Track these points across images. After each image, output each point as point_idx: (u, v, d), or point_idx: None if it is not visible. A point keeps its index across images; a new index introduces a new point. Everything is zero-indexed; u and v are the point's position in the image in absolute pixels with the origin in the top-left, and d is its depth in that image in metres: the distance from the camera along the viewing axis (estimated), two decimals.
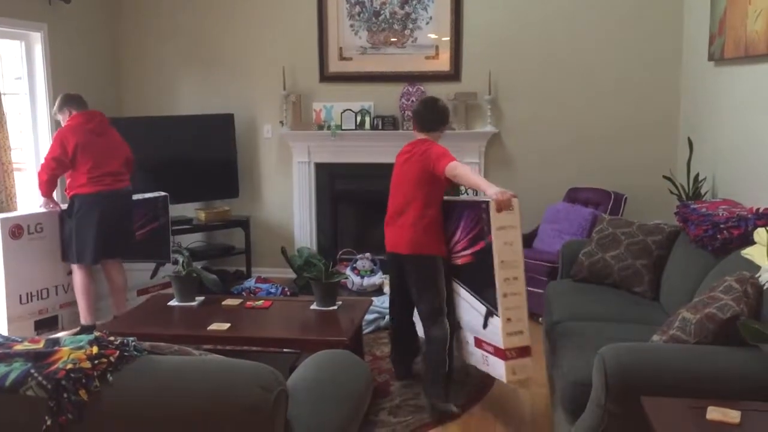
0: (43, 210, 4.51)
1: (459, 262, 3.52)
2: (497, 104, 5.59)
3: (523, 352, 3.17)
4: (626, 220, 4.04)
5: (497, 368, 3.24)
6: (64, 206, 4.54)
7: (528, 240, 5.20)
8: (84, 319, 4.53)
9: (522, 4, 5.49)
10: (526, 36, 5.51)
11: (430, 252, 3.49)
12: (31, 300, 4.43)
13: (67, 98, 4.54)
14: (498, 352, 3.21)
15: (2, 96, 4.50)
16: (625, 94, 5.44)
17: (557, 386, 2.86)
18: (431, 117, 3.64)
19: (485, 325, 3.31)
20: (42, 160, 4.49)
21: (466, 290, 3.51)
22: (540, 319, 4.50)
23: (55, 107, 4.57)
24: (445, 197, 3.61)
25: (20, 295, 4.36)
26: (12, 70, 5.07)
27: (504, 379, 3.22)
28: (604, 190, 5.17)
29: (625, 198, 5.06)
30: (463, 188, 4.73)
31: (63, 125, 4.49)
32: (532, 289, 4.68)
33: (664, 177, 4.77)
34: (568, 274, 4.07)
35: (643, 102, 5.41)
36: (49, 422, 1.64)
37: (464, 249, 3.46)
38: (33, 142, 5.17)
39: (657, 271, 3.68)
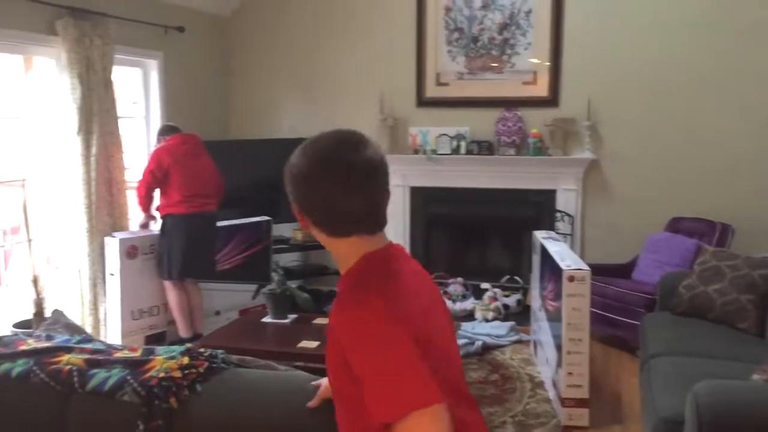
0: (146, 229, 4.76)
1: (549, 308, 3.96)
2: (596, 130, 5.46)
3: (581, 403, 3.53)
4: (731, 252, 3.86)
5: (559, 410, 3.63)
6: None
7: (627, 270, 5.04)
8: (184, 332, 4.68)
9: (624, 30, 5.35)
10: (628, 62, 5.35)
11: None
12: (143, 316, 4.69)
13: (163, 128, 4.88)
14: (560, 398, 3.61)
15: (120, 119, 4.81)
16: (736, 122, 5.17)
17: (649, 422, 2.75)
18: None
19: (556, 371, 3.72)
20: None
21: (550, 335, 3.92)
22: (636, 352, 4.34)
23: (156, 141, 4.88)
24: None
25: (132, 311, 4.63)
26: (129, 95, 5.42)
27: (562, 422, 3.56)
28: (710, 220, 4.93)
29: (733, 230, 4.81)
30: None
31: None
32: (628, 320, 4.56)
33: None
34: (667, 307, 3.91)
35: (756, 131, 5.13)
36: (141, 427, 1.74)
37: (552, 300, 3.86)
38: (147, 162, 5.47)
39: (764, 307, 3.49)
